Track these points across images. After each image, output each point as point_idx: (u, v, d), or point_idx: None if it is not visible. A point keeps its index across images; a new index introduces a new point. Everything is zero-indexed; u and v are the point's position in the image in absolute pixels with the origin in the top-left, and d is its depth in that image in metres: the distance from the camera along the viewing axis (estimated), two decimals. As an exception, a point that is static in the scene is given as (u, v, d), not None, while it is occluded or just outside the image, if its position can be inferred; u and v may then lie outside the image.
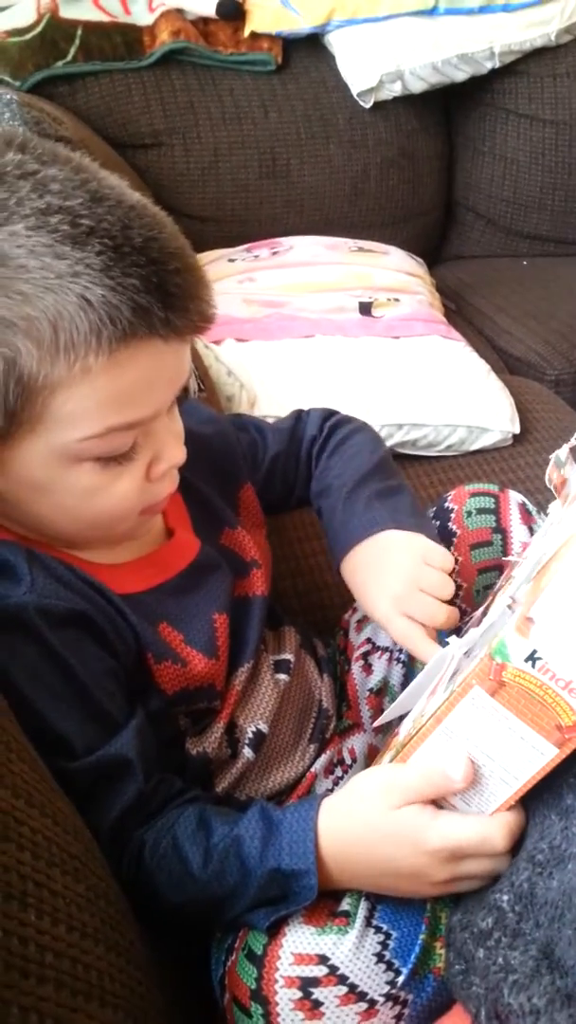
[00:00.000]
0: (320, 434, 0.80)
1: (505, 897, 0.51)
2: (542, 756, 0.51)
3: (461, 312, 1.64)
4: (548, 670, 0.49)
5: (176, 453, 0.59)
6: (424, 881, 0.54)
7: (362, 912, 0.55)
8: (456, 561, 0.72)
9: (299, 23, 1.57)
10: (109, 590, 0.60)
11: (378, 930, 0.55)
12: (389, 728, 0.72)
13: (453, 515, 0.80)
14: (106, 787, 0.57)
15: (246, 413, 1.12)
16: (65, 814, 0.48)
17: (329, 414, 0.83)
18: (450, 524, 0.79)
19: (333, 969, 0.52)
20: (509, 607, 0.52)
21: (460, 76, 1.65)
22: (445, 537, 0.79)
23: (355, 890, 0.57)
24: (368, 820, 0.55)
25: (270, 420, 1.10)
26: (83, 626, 0.58)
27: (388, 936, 0.55)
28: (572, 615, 0.49)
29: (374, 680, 0.78)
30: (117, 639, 0.60)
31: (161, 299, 0.50)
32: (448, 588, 0.66)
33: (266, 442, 0.80)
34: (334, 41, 1.60)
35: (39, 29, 1.45)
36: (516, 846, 0.54)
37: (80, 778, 0.55)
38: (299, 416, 0.83)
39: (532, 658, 0.50)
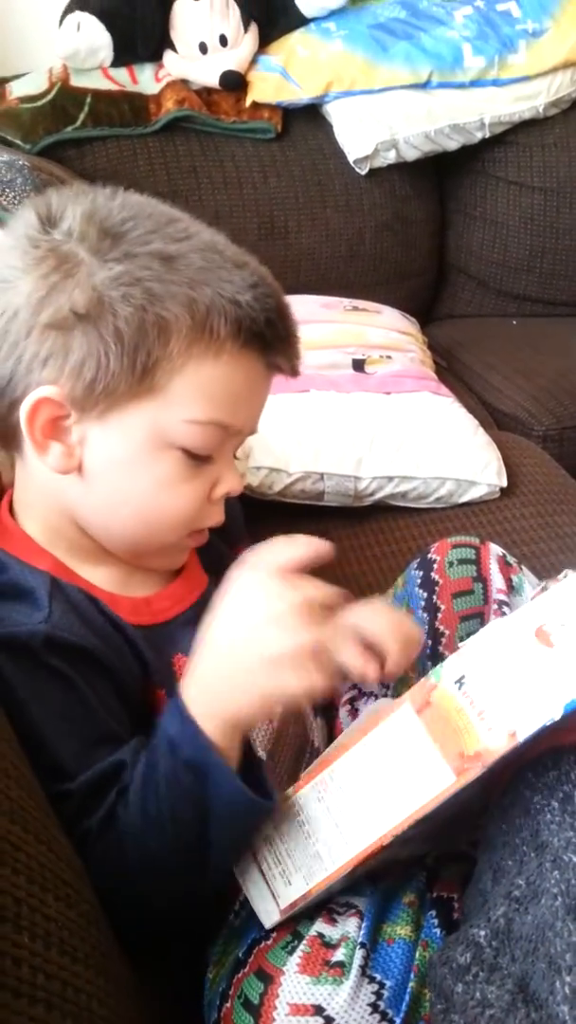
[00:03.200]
0: None
1: (482, 932, 0.53)
2: (441, 782, 0.51)
3: (452, 369, 1.69)
4: (468, 695, 0.52)
5: (236, 481, 0.65)
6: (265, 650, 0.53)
7: (357, 962, 0.55)
8: (439, 609, 0.76)
9: (299, 94, 1.64)
10: (125, 623, 0.63)
11: (372, 980, 0.55)
12: None
13: (436, 565, 0.83)
14: (99, 795, 0.57)
15: (239, 467, 1.16)
16: (60, 842, 0.50)
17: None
18: (433, 574, 0.82)
19: (329, 1020, 0.53)
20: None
21: (452, 145, 1.72)
22: (428, 586, 0.82)
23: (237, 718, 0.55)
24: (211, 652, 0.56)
25: (263, 472, 1.14)
26: (89, 659, 0.60)
27: (382, 985, 0.55)
28: (502, 646, 0.52)
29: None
30: (124, 672, 0.62)
31: (284, 325, 0.63)
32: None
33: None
34: (332, 111, 1.67)
35: (50, 96, 1.53)
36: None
37: (77, 793, 0.56)
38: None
39: (460, 681, 0.52)
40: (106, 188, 0.64)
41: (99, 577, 0.65)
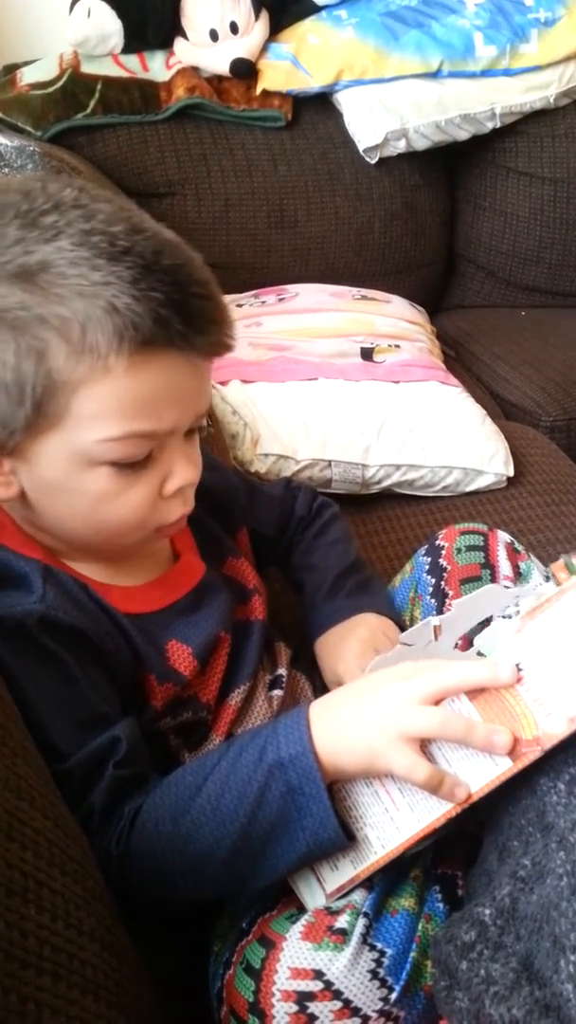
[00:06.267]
0: (308, 513, 0.88)
1: (487, 911, 0.53)
2: (496, 767, 0.52)
3: (460, 359, 1.69)
4: (524, 682, 0.52)
5: (188, 472, 0.61)
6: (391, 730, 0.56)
7: (359, 930, 0.56)
8: (447, 595, 0.77)
9: (309, 82, 1.64)
10: (116, 610, 0.63)
11: (373, 948, 0.56)
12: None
13: (444, 551, 0.83)
14: (96, 772, 0.58)
15: (247, 454, 1.16)
16: (65, 818, 0.50)
17: (314, 495, 0.91)
18: (441, 560, 0.82)
19: (328, 984, 0.54)
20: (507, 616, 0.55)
21: (462, 135, 1.71)
22: (436, 572, 0.82)
23: (348, 776, 0.58)
24: (351, 687, 0.60)
25: (271, 459, 1.15)
26: (82, 641, 0.60)
27: (383, 954, 0.56)
28: (557, 638, 0.52)
29: None
30: (114, 657, 0.62)
31: (181, 316, 0.55)
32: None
33: (255, 503, 0.86)
34: (342, 100, 1.67)
35: (61, 83, 1.53)
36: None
37: (75, 771, 0.57)
38: (287, 485, 0.91)
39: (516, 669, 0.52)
40: None
41: (87, 569, 0.65)
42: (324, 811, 0.55)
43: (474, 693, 0.53)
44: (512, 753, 0.52)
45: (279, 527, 0.88)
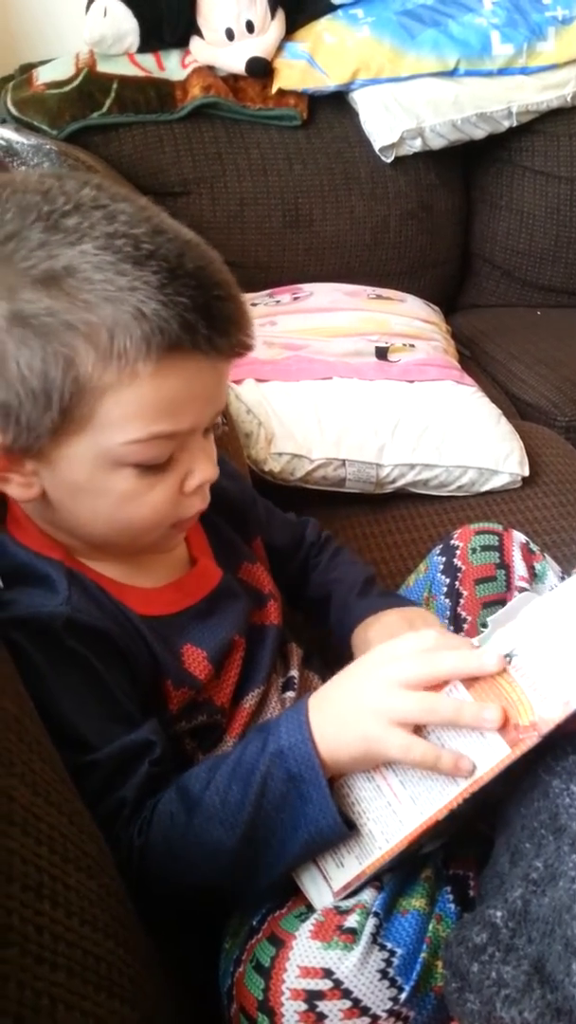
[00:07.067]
0: (318, 540, 0.90)
1: (499, 913, 0.53)
2: (495, 754, 0.52)
3: (475, 359, 1.69)
4: (519, 668, 0.52)
5: (209, 469, 0.62)
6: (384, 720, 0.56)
7: (368, 929, 0.56)
8: (461, 595, 0.76)
9: (325, 81, 1.64)
10: (133, 612, 0.64)
11: (383, 948, 0.56)
12: None
13: (459, 551, 0.83)
14: (129, 767, 0.59)
15: (261, 453, 1.16)
16: (81, 814, 0.51)
17: (319, 525, 0.93)
18: (455, 560, 0.82)
19: (338, 983, 0.54)
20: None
21: (478, 134, 1.71)
22: (451, 572, 0.82)
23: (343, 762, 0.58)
24: (345, 675, 0.60)
25: (285, 458, 1.15)
26: (107, 643, 0.61)
27: (393, 954, 0.56)
28: (553, 623, 0.52)
29: None
30: (136, 659, 0.63)
31: (206, 319, 0.55)
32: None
33: (270, 519, 0.88)
34: (358, 99, 1.67)
35: (77, 82, 1.53)
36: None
37: (105, 763, 0.58)
38: (296, 517, 0.93)
39: (509, 656, 0.52)
40: None
41: (105, 569, 0.65)
42: (323, 798, 0.56)
43: (470, 681, 0.53)
44: (510, 739, 0.52)
45: (292, 547, 0.89)
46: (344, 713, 0.58)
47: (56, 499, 0.60)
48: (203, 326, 0.55)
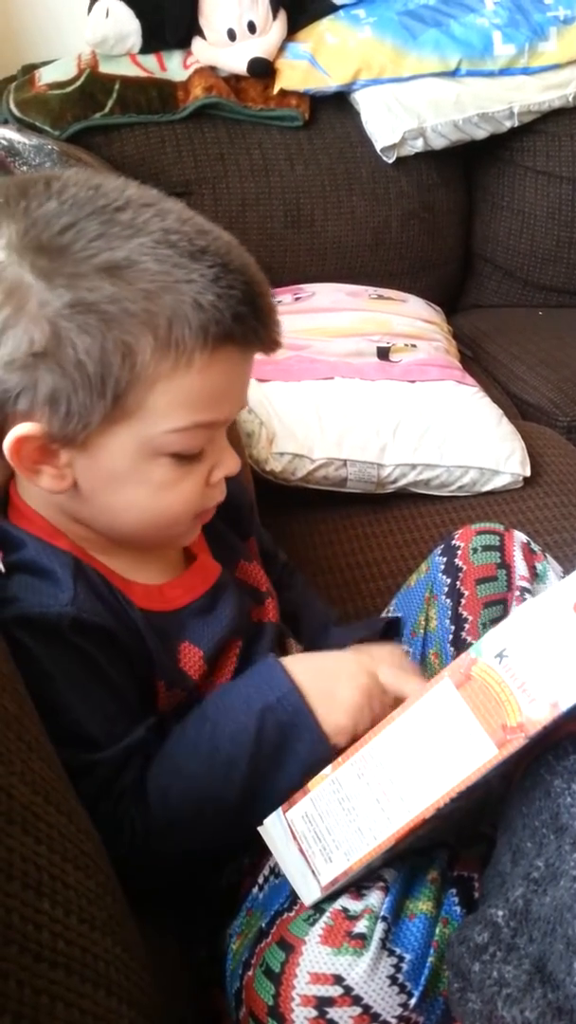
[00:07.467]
0: (288, 563, 0.93)
1: (500, 912, 0.53)
2: (482, 755, 0.52)
3: (477, 359, 1.68)
4: (509, 668, 0.52)
5: (233, 462, 0.64)
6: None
7: (377, 934, 0.56)
8: (462, 595, 0.77)
9: (327, 81, 1.64)
10: (135, 608, 0.64)
11: (392, 953, 0.56)
12: None
13: (460, 551, 0.82)
14: (130, 763, 0.60)
15: (263, 453, 1.16)
16: (79, 813, 0.50)
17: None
18: (457, 560, 0.82)
19: (348, 990, 0.53)
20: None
21: (480, 134, 1.71)
22: (452, 572, 0.81)
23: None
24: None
25: (286, 458, 1.15)
26: (110, 640, 0.62)
27: (401, 959, 0.56)
28: (542, 621, 0.52)
29: None
30: (135, 653, 0.63)
31: (254, 312, 0.58)
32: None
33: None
34: (360, 99, 1.67)
35: (79, 83, 1.53)
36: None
37: (109, 762, 0.59)
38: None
39: (500, 655, 0.52)
40: (39, 182, 0.56)
41: (112, 562, 0.66)
42: (314, 736, 0.61)
43: (461, 682, 0.53)
44: (498, 740, 0.52)
45: (270, 556, 0.89)
46: (323, 666, 0.66)
47: (89, 490, 0.61)
48: (252, 319, 0.58)
